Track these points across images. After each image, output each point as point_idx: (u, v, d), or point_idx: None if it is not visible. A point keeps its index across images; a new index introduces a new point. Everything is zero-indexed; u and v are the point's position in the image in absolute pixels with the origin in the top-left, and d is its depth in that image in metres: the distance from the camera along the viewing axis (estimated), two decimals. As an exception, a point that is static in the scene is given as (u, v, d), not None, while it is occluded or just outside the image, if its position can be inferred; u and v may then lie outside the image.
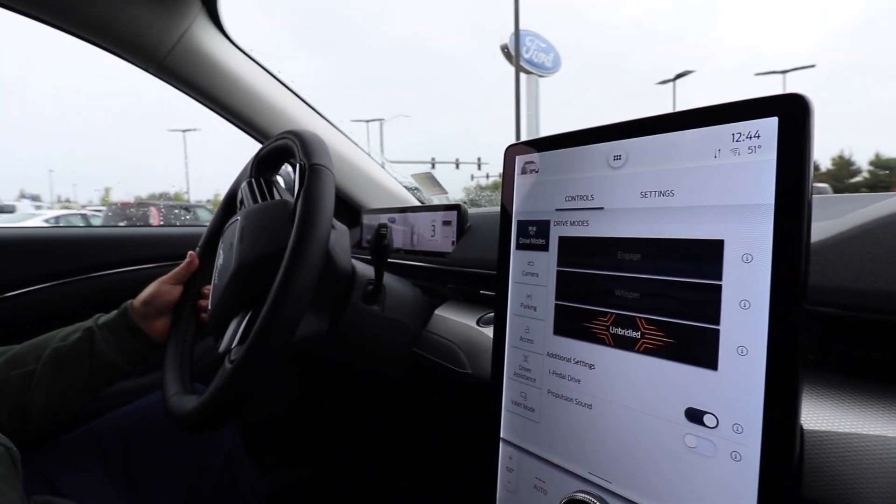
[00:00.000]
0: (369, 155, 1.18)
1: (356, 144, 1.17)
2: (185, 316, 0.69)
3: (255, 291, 0.56)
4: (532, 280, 0.46)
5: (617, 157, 0.39)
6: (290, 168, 0.99)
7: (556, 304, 0.44)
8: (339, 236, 0.63)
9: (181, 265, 0.70)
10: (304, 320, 0.50)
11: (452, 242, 0.74)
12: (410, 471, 1.14)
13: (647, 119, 0.38)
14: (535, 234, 0.46)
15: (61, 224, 8.12)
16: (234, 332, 0.56)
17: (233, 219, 0.64)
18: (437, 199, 1.30)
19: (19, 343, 0.65)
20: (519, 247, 0.48)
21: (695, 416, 0.33)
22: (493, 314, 0.59)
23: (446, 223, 0.76)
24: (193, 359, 0.67)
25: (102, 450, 0.69)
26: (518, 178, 0.49)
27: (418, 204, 1.22)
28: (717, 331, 0.32)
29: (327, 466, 1.22)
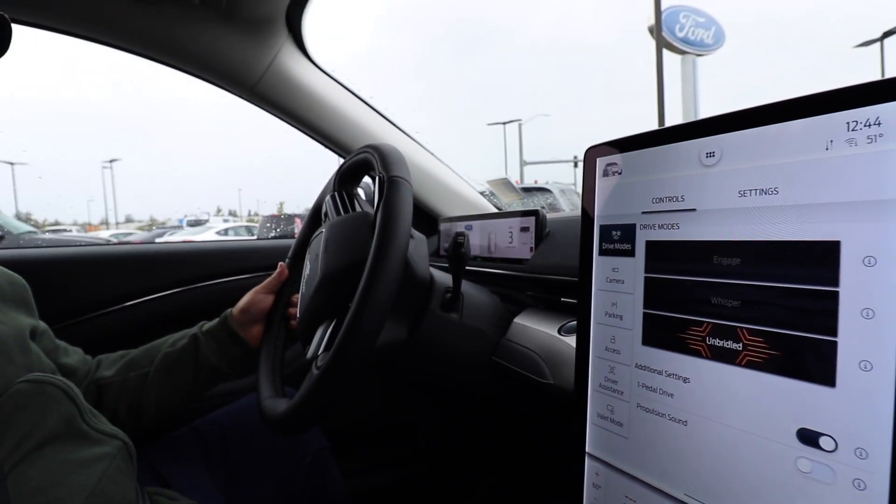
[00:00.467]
0: (446, 164, 1.20)
1: (433, 154, 1.20)
2: (277, 323, 0.74)
3: (339, 300, 0.58)
4: (617, 287, 0.44)
5: (710, 155, 0.37)
6: (370, 180, 1.03)
7: (645, 313, 0.42)
8: (418, 245, 0.64)
9: (273, 275, 0.75)
10: (385, 328, 0.51)
11: (531, 249, 0.73)
12: (492, 480, 1.13)
13: (744, 111, 0.35)
14: (620, 238, 0.44)
15: (230, 234, 9.42)
16: (320, 339, 0.58)
17: (318, 231, 0.67)
18: (515, 206, 1.29)
19: (138, 347, 0.73)
20: (602, 252, 0.46)
21: (808, 437, 0.30)
22: (575, 322, 0.57)
23: (524, 229, 0.75)
24: (284, 363, 0.72)
25: (205, 446, 0.75)
26: (600, 181, 0.47)
27: (495, 211, 1.21)
28: (835, 343, 0.29)
29: (409, 471, 1.24)
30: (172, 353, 0.69)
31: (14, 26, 0.55)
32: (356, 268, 0.55)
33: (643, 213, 0.42)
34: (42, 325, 0.63)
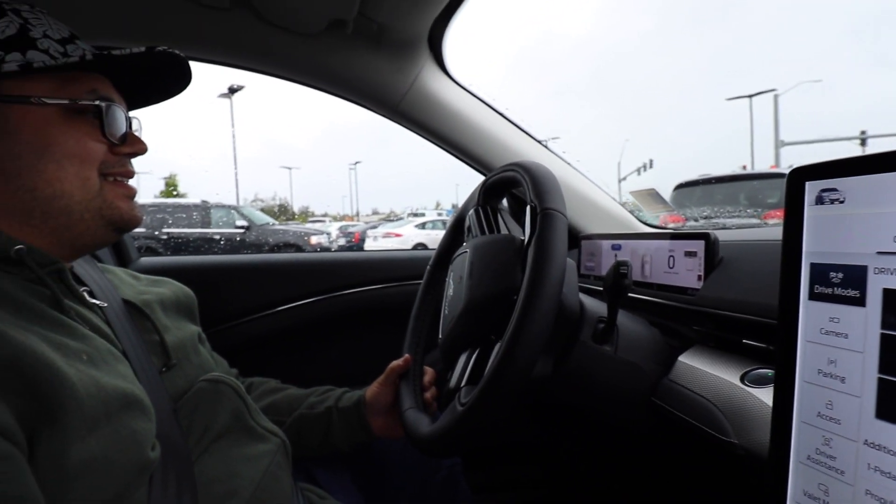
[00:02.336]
0: (585, 175, 1.13)
1: (569, 164, 1.14)
2: (420, 335, 0.75)
3: (483, 329, 0.58)
4: (838, 342, 0.36)
5: None
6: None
7: (881, 379, 0.33)
8: (568, 273, 0.60)
9: (392, 368, 0.74)
10: None
11: (699, 277, 0.64)
12: None
13: None
14: (842, 282, 0.36)
15: (426, 226, 10.42)
16: (463, 367, 0.58)
17: (462, 249, 0.66)
18: (662, 218, 1.18)
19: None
20: (814, 296, 0.38)
21: None
22: (764, 371, 0.48)
23: (690, 254, 0.67)
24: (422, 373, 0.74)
25: (350, 451, 0.79)
26: (810, 210, 0.39)
27: (640, 225, 1.12)
28: None
29: (539, 495, 1.19)
30: (308, 416, 0.72)
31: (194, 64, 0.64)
32: (501, 298, 0.54)
33: (879, 253, 0.34)
34: (202, 333, 0.70)
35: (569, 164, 1.14)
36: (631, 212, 1.18)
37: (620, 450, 0.97)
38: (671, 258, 0.70)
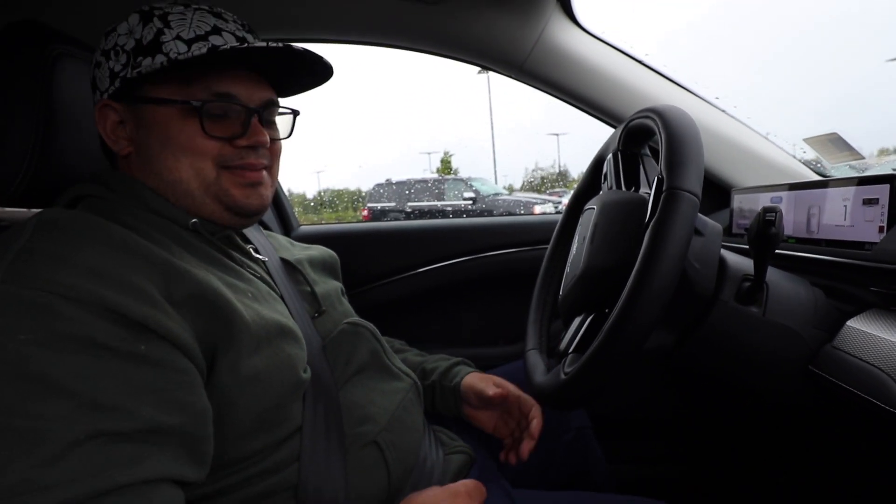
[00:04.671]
0: (745, 124, 0.99)
1: (725, 112, 1.01)
2: (549, 282, 0.78)
3: (597, 297, 0.57)
4: None
5: None
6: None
7: None
8: (706, 245, 0.54)
9: (492, 396, 0.72)
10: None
11: (881, 228, 0.53)
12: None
13: None
14: None
15: None
16: (574, 332, 0.57)
17: (591, 203, 0.63)
18: (846, 169, 0.99)
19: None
20: None
21: None
22: None
23: (869, 202, 0.55)
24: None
25: None
26: None
27: (814, 176, 0.95)
28: None
29: (675, 471, 1.12)
30: (423, 385, 0.77)
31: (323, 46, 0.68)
32: (617, 271, 0.52)
33: None
34: (343, 288, 0.78)
35: (721, 110, 1.01)
36: (808, 163, 1.02)
37: (769, 424, 0.86)
38: (845, 208, 0.58)
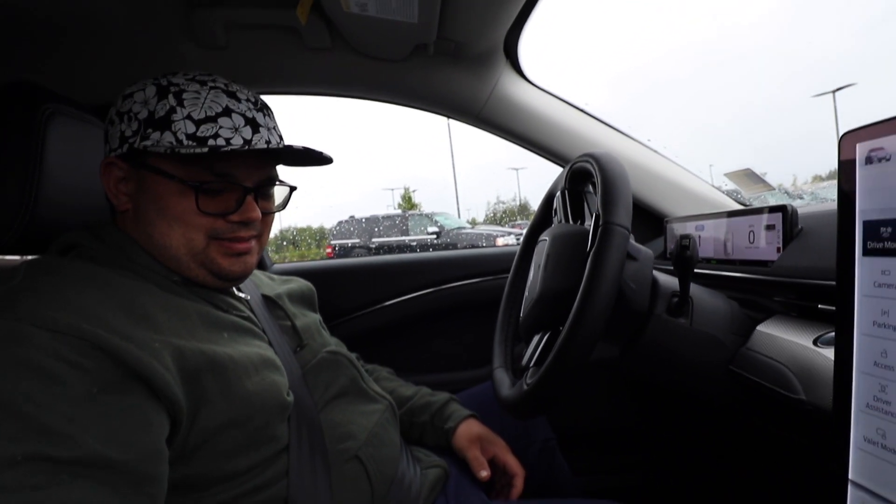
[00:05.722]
0: (673, 161, 1.13)
1: (655, 151, 1.14)
2: (511, 305, 0.85)
3: (553, 318, 0.64)
4: (890, 293, 0.38)
5: None
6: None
7: (930, 324, 0.35)
8: (640, 268, 0.62)
9: (482, 479, 0.76)
10: (597, 347, 0.55)
11: (778, 249, 0.65)
12: (727, 497, 1.01)
13: None
14: (892, 236, 0.38)
15: None
16: (534, 348, 0.65)
17: (544, 235, 0.72)
18: (769, 198, 1.14)
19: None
20: (868, 252, 0.40)
21: None
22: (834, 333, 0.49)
23: (769, 227, 0.67)
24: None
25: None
26: (861, 170, 0.41)
27: (734, 205, 1.09)
28: None
29: (634, 478, 1.20)
30: (405, 422, 0.82)
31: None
32: (568, 294, 0.58)
33: (924, 204, 0.36)
34: (321, 320, 0.82)
35: (653, 150, 1.14)
36: (730, 193, 1.16)
37: (706, 427, 0.96)
38: (752, 233, 0.70)
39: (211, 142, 0.55)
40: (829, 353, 0.48)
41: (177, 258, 0.57)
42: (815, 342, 0.51)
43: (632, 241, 0.61)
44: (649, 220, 1.09)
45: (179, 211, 0.55)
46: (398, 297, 1.27)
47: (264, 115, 0.60)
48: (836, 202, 0.48)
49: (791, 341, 0.54)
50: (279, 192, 0.65)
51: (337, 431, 0.64)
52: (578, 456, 1.08)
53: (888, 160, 0.39)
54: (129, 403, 0.43)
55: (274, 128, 0.61)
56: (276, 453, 0.57)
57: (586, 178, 0.74)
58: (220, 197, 0.57)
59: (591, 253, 0.55)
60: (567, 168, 0.76)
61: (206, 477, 0.50)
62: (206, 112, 0.56)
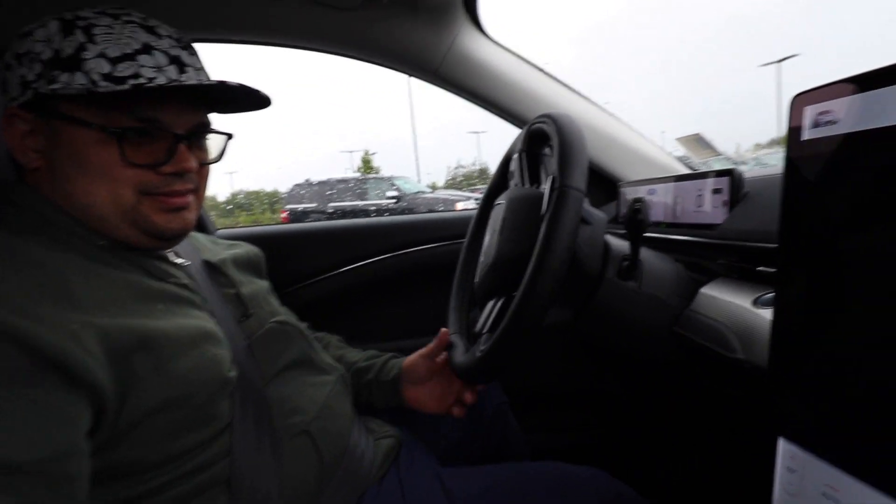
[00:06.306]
0: (628, 125, 1.13)
1: (612, 115, 1.14)
2: (467, 271, 0.84)
3: (507, 283, 0.64)
4: (826, 255, 0.39)
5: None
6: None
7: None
8: (593, 232, 0.62)
9: (433, 343, 0.78)
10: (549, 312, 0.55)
11: (724, 213, 0.66)
12: (672, 454, 1.08)
13: None
14: (833, 199, 0.38)
15: None
16: (488, 314, 0.65)
17: (500, 198, 0.71)
18: (714, 164, 1.16)
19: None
20: (808, 216, 0.40)
21: None
22: (773, 294, 0.51)
23: (716, 191, 0.68)
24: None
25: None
26: (808, 133, 0.41)
27: (684, 169, 1.11)
28: None
29: (586, 436, 1.25)
30: (353, 384, 0.80)
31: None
32: (523, 259, 0.57)
33: (865, 167, 0.36)
34: (270, 286, 0.78)
35: (609, 113, 1.14)
36: (681, 159, 1.17)
37: (654, 386, 1.01)
38: (700, 197, 0.71)
39: (132, 81, 0.48)
40: (767, 313, 0.50)
41: (103, 218, 0.51)
42: (754, 303, 0.53)
43: (586, 204, 0.61)
44: (603, 184, 1.10)
45: (102, 163, 0.49)
46: (353, 264, 1.24)
47: (189, 54, 0.54)
48: (779, 168, 0.49)
49: (731, 303, 0.56)
50: (214, 144, 0.59)
51: (285, 406, 0.61)
52: (531, 416, 1.11)
53: (834, 123, 0.39)
54: (39, 397, 0.39)
55: (201, 69, 0.55)
56: (217, 432, 0.53)
57: (544, 140, 0.73)
58: (148, 146, 0.51)
59: (546, 217, 0.54)
60: (525, 129, 0.74)
61: (139, 462, 0.47)
62: (122, 49, 0.49)
